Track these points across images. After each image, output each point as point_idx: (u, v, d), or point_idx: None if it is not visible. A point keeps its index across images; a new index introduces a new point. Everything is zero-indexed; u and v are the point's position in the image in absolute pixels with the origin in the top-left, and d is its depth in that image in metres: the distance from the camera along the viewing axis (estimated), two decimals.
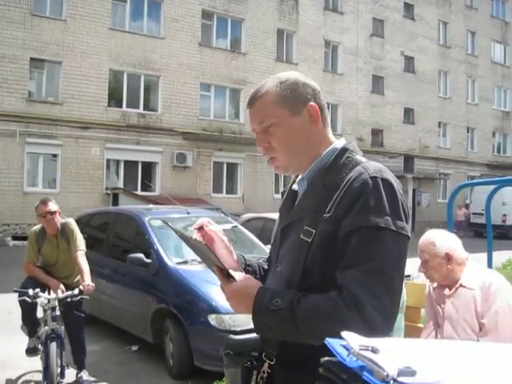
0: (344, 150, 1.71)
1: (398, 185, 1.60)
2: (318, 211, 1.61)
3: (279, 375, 1.68)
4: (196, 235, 1.79)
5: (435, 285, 3.46)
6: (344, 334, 1.12)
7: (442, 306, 3.35)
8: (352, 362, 1.02)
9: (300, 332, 1.51)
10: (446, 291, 3.34)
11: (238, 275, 1.64)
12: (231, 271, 1.63)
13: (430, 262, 3.33)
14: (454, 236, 3.43)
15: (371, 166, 1.60)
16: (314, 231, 1.60)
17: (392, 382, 0.93)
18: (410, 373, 0.93)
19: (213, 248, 1.76)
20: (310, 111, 1.70)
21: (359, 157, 1.69)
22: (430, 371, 0.94)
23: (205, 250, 1.66)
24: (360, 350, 1.02)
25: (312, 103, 1.71)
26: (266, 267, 1.91)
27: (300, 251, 1.63)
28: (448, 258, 3.28)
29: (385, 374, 0.94)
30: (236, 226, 7.58)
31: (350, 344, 1.06)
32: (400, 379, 0.92)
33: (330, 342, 1.12)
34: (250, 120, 1.76)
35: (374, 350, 1.01)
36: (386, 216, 1.51)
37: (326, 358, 1.11)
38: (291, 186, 1.84)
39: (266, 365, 1.71)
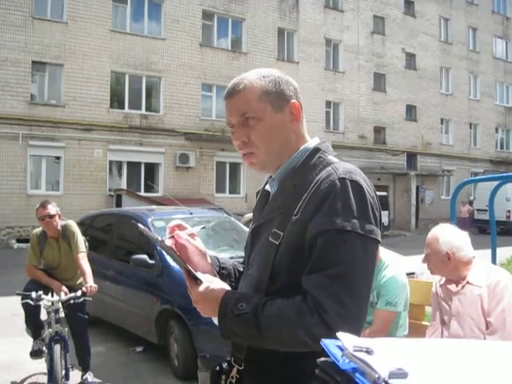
0: (316, 150, 1.67)
1: (369, 187, 1.55)
2: (286, 213, 1.57)
3: (246, 381, 1.65)
4: (169, 242, 1.73)
5: (442, 281, 3.45)
6: (339, 334, 1.11)
7: (449, 303, 3.33)
8: (345, 363, 1.02)
9: (264, 337, 1.47)
10: (453, 288, 3.32)
11: (206, 278, 1.60)
12: (199, 274, 1.59)
13: (431, 257, 3.33)
14: (464, 234, 3.37)
15: (341, 167, 1.56)
16: (282, 233, 1.56)
17: (383, 383, 0.92)
18: (402, 375, 0.93)
19: (186, 254, 1.73)
20: (292, 109, 1.67)
21: (331, 157, 1.64)
22: (422, 373, 0.93)
23: (172, 253, 1.65)
24: (354, 350, 1.01)
25: (295, 101, 1.68)
26: (241, 269, 1.88)
27: (268, 254, 1.59)
28: (448, 257, 3.26)
29: (376, 375, 0.93)
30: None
31: (344, 345, 1.05)
32: (391, 381, 0.92)
33: (326, 342, 1.12)
34: (227, 112, 1.69)
35: (369, 351, 1.00)
36: (353, 219, 1.47)
37: (323, 359, 1.10)
38: (264, 187, 1.81)
39: (234, 370, 1.67)
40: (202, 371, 1.81)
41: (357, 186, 1.51)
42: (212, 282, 1.59)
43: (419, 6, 33.46)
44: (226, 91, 1.70)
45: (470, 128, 36.53)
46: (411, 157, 32.72)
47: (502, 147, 38.76)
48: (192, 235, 1.77)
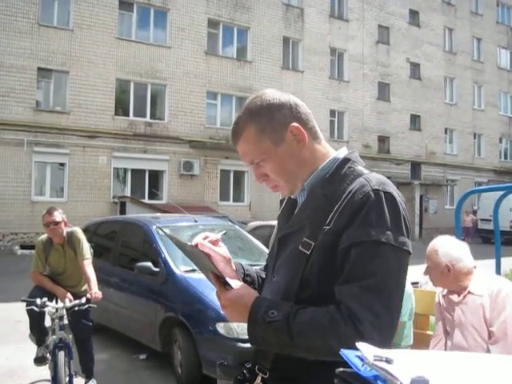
0: (346, 160, 1.67)
1: (401, 198, 1.56)
2: (317, 222, 1.58)
3: None
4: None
5: (445, 292, 3.45)
6: (359, 344, 1.12)
7: (452, 313, 3.33)
8: (366, 371, 1.03)
9: (295, 345, 1.47)
10: (455, 298, 3.33)
11: (235, 283, 1.61)
12: (228, 279, 1.60)
13: (432, 270, 3.35)
14: (462, 244, 3.39)
15: (373, 178, 1.57)
16: (313, 243, 1.56)
17: None
18: (423, 382, 0.94)
19: (211, 261, 1.72)
20: (294, 132, 1.64)
21: (361, 167, 1.65)
22: (443, 381, 0.95)
23: (202, 258, 1.64)
24: (374, 360, 1.03)
25: (293, 124, 1.64)
26: (263, 276, 1.88)
27: (298, 263, 1.59)
28: (448, 269, 3.27)
29: (398, 383, 0.95)
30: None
31: (364, 355, 1.07)
32: None
33: (345, 352, 1.13)
34: (240, 156, 1.72)
35: (388, 361, 1.02)
36: (388, 231, 1.48)
37: (341, 369, 1.11)
38: (292, 195, 1.79)
39: (259, 378, 1.65)
40: (222, 379, 1.80)
41: (390, 197, 1.53)
42: (242, 288, 1.60)
43: (424, 16, 33.53)
44: (231, 136, 1.74)
45: (474, 138, 36.49)
46: (415, 166, 32.69)
47: (506, 157, 38.69)
48: (216, 242, 1.78)
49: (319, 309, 1.47)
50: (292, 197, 1.77)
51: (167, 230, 1.82)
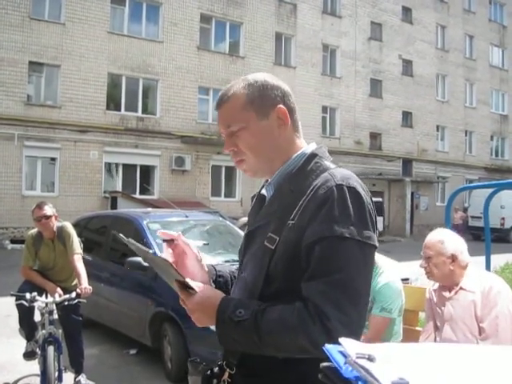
0: (313, 155, 1.67)
1: (366, 193, 1.56)
2: (282, 218, 1.57)
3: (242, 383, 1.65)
4: (165, 248, 1.73)
5: (436, 286, 3.47)
6: (342, 340, 1.12)
7: (442, 308, 3.35)
8: (348, 371, 1.03)
9: (264, 344, 1.47)
10: (447, 293, 3.34)
11: (198, 286, 1.58)
12: (190, 282, 1.57)
13: (433, 259, 3.33)
14: (462, 240, 3.42)
15: (338, 174, 1.56)
16: (278, 238, 1.56)
17: None
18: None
19: (184, 260, 1.73)
20: (279, 114, 1.66)
21: (328, 163, 1.65)
22: (423, 381, 0.95)
23: (163, 265, 1.62)
24: (357, 357, 1.03)
25: (281, 106, 1.67)
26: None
27: (263, 258, 1.59)
28: (453, 258, 3.29)
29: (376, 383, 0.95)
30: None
31: (347, 351, 1.07)
32: None
33: (328, 348, 1.13)
34: (218, 122, 1.73)
35: (371, 359, 1.02)
36: (351, 226, 1.47)
37: (326, 364, 1.11)
38: (260, 191, 1.80)
39: (226, 374, 1.66)
40: (193, 375, 1.80)
41: (354, 192, 1.51)
42: (206, 290, 1.59)
43: (417, 13, 33.60)
44: (216, 101, 1.74)
45: (466, 135, 36.65)
46: (407, 163, 32.79)
47: (496, 155, 38.90)
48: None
49: (287, 306, 1.47)
50: (261, 192, 1.77)
51: (123, 236, 1.80)
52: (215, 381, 1.69)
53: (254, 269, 1.63)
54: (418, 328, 4.18)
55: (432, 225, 27.81)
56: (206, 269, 1.78)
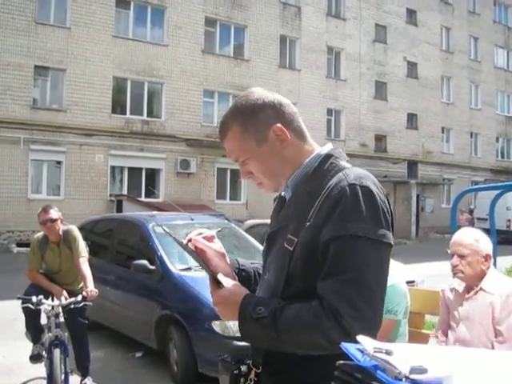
0: (328, 156, 1.70)
1: (380, 192, 1.58)
2: (300, 219, 1.61)
3: (265, 382, 1.69)
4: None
5: (454, 286, 3.45)
6: (359, 337, 1.15)
7: (459, 307, 3.35)
8: (366, 361, 1.07)
9: (282, 341, 1.51)
10: (465, 293, 3.34)
11: (227, 282, 1.64)
12: (221, 278, 1.64)
13: (468, 258, 3.31)
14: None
15: (351, 173, 1.58)
16: (296, 240, 1.59)
17: (404, 379, 0.97)
18: (422, 370, 0.98)
19: (205, 257, 1.79)
20: (277, 132, 1.69)
21: (343, 163, 1.67)
22: (441, 369, 0.98)
23: (197, 257, 1.72)
24: (374, 352, 1.06)
25: (276, 125, 1.69)
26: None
27: (283, 259, 1.63)
28: (486, 258, 3.30)
29: (397, 371, 0.99)
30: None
31: (364, 347, 1.10)
32: (412, 376, 0.97)
33: (346, 345, 1.16)
34: (226, 153, 1.80)
35: (388, 352, 1.05)
36: (365, 224, 1.49)
37: (342, 361, 1.14)
38: (281, 193, 1.84)
39: (253, 372, 1.71)
40: (222, 374, 1.85)
41: (367, 191, 1.54)
42: (233, 286, 1.64)
43: (421, 16, 33.57)
44: (218, 133, 1.82)
45: (471, 137, 36.57)
46: (412, 165, 32.73)
47: (502, 156, 38.79)
48: (210, 238, 1.86)
49: (304, 305, 1.50)
50: (282, 194, 1.81)
51: (166, 227, 1.87)
52: (242, 379, 1.74)
53: (276, 270, 1.67)
54: (424, 331, 4.17)
55: (438, 227, 27.76)
56: (229, 262, 1.85)
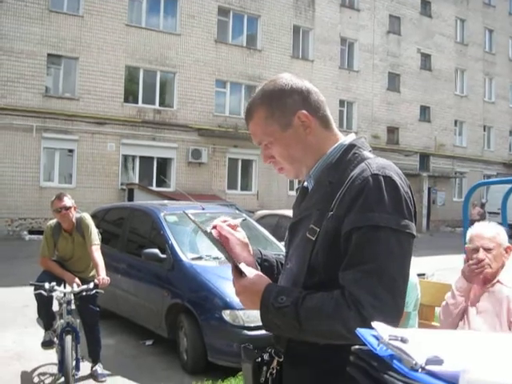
0: (351, 146, 1.69)
1: (403, 182, 1.57)
2: (322, 209, 1.61)
3: (287, 372, 1.70)
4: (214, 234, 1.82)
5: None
6: (374, 324, 1.15)
7: (473, 299, 3.33)
8: (382, 350, 1.06)
9: (304, 330, 1.51)
10: (482, 285, 3.33)
11: (250, 271, 1.65)
12: (244, 267, 1.65)
13: (493, 251, 3.29)
14: None
15: (374, 163, 1.58)
16: (319, 229, 1.59)
17: (420, 370, 0.97)
18: (438, 361, 0.97)
19: (228, 245, 1.80)
20: (301, 119, 1.69)
21: (366, 153, 1.67)
22: (457, 360, 0.97)
23: (220, 246, 1.72)
24: (390, 339, 1.06)
25: (302, 111, 1.69)
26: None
27: (305, 249, 1.63)
28: (507, 250, 3.31)
29: (413, 362, 0.98)
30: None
31: (380, 334, 1.10)
32: (428, 367, 0.97)
33: (361, 331, 1.17)
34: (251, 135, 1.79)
35: (403, 340, 1.05)
36: (387, 214, 1.49)
37: (357, 347, 1.15)
38: (303, 183, 1.84)
39: (275, 361, 1.72)
40: (245, 362, 1.85)
41: (390, 181, 1.53)
42: (255, 276, 1.64)
43: (436, 7, 33.28)
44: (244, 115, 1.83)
45: (484, 130, 36.31)
46: (424, 158, 32.58)
47: None
48: (234, 227, 1.86)
49: (326, 294, 1.51)
50: (304, 185, 1.81)
51: (190, 215, 1.89)
52: (265, 368, 1.75)
53: (298, 260, 1.68)
54: (434, 323, 4.17)
55: (449, 220, 27.63)
56: (252, 251, 1.86)
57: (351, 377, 1.16)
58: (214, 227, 1.82)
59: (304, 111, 1.68)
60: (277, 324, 1.56)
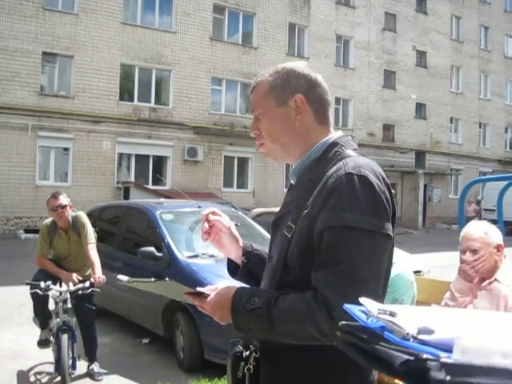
0: (334, 144, 1.67)
1: (381, 182, 1.53)
2: (300, 206, 1.59)
3: (263, 369, 1.69)
4: (203, 225, 1.88)
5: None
6: (362, 299, 1.14)
7: (472, 298, 3.33)
8: (373, 322, 1.06)
9: (276, 331, 1.50)
10: (478, 283, 3.32)
11: (210, 289, 1.64)
12: (200, 289, 1.64)
13: (480, 251, 3.28)
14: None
15: (352, 162, 1.55)
16: (295, 227, 1.58)
17: (412, 339, 0.97)
18: (429, 331, 0.97)
19: (219, 237, 1.89)
20: (297, 102, 1.69)
21: (349, 151, 1.64)
22: (448, 330, 0.98)
23: (171, 285, 1.72)
24: (378, 313, 1.06)
25: (300, 95, 1.69)
26: None
27: (282, 246, 1.62)
28: (499, 248, 3.28)
29: (405, 332, 0.98)
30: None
31: (368, 309, 1.10)
32: (420, 337, 0.97)
33: (349, 307, 1.17)
34: None
35: (392, 314, 1.04)
36: (360, 215, 1.45)
37: (345, 322, 1.13)
38: (291, 180, 1.83)
39: (252, 357, 1.71)
40: (228, 357, 1.85)
41: (365, 180, 1.49)
42: (222, 289, 1.63)
43: (431, 4, 33.29)
44: None
45: (480, 127, 36.37)
46: (420, 155, 32.63)
47: (511, 147, 38.55)
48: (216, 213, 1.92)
49: (298, 295, 1.49)
50: (291, 181, 1.80)
51: (124, 278, 1.88)
52: (243, 363, 1.73)
53: (276, 257, 1.67)
54: None
55: (445, 217, 27.70)
56: (241, 244, 1.91)
57: (323, 374, 1.14)
58: (207, 220, 1.87)
59: (302, 96, 1.69)
60: (249, 326, 1.55)
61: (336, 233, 1.46)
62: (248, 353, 1.74)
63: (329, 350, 1.35)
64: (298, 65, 1.77)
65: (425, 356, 0.96)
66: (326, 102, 1.76)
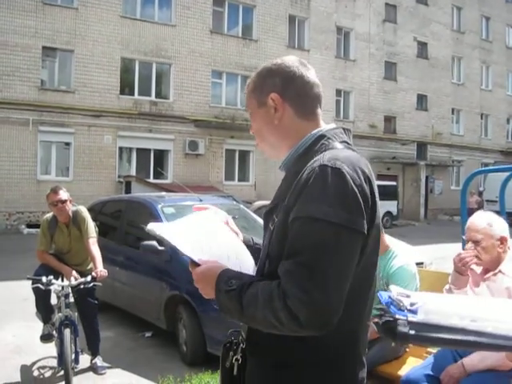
0: (321, 136, 1.67)
1: (358, 176, 1.50)
2: (284, 199, 1.60)
3: (249, 360, 1.70)
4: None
5: (472, 267, 3.41)
6: (391, 287, 1.61)
7: (475, 288, 3.32)
8: (386, 299, 1.50)
9: (244, 316, 1.52)
10: (482, 274, 3.31)
11: (204, 261, 1.65)
12: (197, 260, 1.66)
13: (482, 243, 3.28)
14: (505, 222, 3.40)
15: (330, 154, 1.53)
16: (276, 219, 1.61)
17: (406, 310, 1.46)
18: (415, 304, 1.44)
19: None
20: (274, 100, 1.71)
21: (336, 143, 1.63)
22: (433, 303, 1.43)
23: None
24: (398, 295, 1.50)
25: (274, 94, 1.71)
26: None
27: (267, 238, 1.68)
28: (502, 241, 3.27)
29: (401, 304, 1.39)
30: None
31: (392, 293, 1.55)
32: (410, 308, 1.42)
33: (381, 293, 1.65)
34: None
35: (408, 295, 1.49)
36: (327, 207, 1.43)
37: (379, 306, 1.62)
38: None
39: (239, 348, 1.74)
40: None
41: (338, 173, 1.47)
42: (210, 263, 1.65)
43: None
44: None
45: (481, 118, 36.30)
46: (421, 146, 32.58)
47: None
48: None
49: (267, 283, 1.50)
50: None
51: (148, 227, 1.91)
52: (231, 353, 1.76)
53: (262, 248, 1.73)
54: None
55: (446, 209, 27.66)
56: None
57: (307, 367, 1.36)
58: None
59: (276, 94, 1.71)
60: (227, 307, 1.56)
61: (301, 223, 1.46)
62: (236, 343, 1.77)
63: (314, 347, 1.39)
64: (279, 62, 1.77)
65: (397, 316, 1.41)
66: (310, 96, 1.73)
